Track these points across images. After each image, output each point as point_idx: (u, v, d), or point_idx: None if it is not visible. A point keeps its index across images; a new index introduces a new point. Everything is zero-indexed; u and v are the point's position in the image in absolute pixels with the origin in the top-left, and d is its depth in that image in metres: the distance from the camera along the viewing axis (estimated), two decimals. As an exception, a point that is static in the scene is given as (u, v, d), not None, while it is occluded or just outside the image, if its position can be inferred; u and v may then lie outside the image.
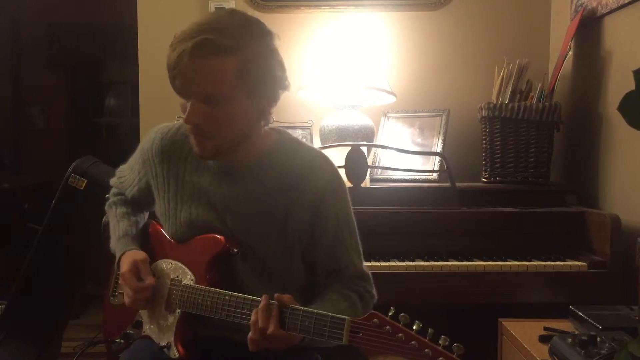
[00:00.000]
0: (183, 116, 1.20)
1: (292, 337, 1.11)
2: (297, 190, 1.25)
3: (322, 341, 1.09)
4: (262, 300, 1.13)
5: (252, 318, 1.13)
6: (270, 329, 1.10)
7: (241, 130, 1.23)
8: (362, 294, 1.27)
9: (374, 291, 1.31)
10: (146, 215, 1.49)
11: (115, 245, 1.39)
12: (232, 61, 1.14)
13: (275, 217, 1.26)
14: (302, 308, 1.11)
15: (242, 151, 1.26)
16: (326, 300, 1.23)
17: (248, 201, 1.26)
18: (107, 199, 1.52)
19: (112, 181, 1.52)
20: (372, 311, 1.04)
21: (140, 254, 1.33)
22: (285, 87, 1.25)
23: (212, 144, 1.21)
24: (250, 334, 1.12)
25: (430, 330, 1.00)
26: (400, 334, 1.00)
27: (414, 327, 1.01)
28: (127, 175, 1.46)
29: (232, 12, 1.22)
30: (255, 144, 1.27)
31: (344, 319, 1.05)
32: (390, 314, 1.03)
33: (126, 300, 1.30)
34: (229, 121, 1.20)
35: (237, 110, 1.19)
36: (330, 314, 1.07)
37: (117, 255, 1.36)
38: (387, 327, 1.01)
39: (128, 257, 1.33)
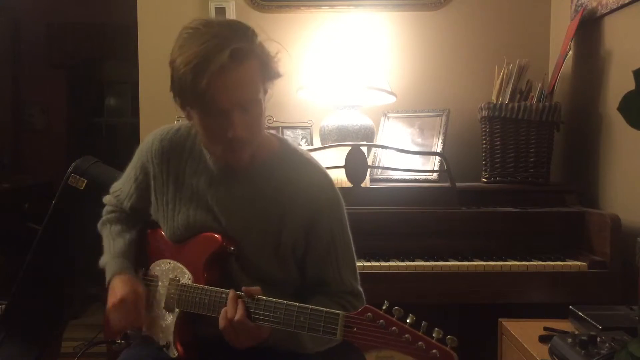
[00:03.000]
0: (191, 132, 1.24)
1: (259, 329, 1.13)
2: (294, 203, 1.26)
3: (306, 347, 1.10)
4: (230, 292, 1.15)
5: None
6: (237, 316, 1.12)
7: (262, 130, 1.26)
8: (347, 309, 1.24)
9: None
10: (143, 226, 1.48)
11: (109, 263, 1.36)
12: (255, 63, 1.17)
13: (269, 223, 1.26)
14: (297, 304, 1.11)
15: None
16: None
17: (244, 204, 1.27)
18: (101, 216, 1.50)
19: (106, 199, 1.50)
20: (366, 305, 1.04)
21: (140, 289, 1.31)
22: (280, 75, 1.25)
23: (249, 150, 1.23)
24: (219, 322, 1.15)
25: (423, 323, 1.00)
26: (393, 328, 1.00)
27: (408, 321, 1.01)
28: (122, 188, 1.44)
29: (219, 20, 1.22)
30: (257, 147, 1.27)
31: (338, 314, 1.06)
32: (384, 307, 1.03)
33: (115, 323, 1.31)
34: (260, 122, 1.22)
35: (261, 109, 1.22)
36: (325, 309, 1.08)
37: (110, 275, 1.33)
38: (381, 320, 1.01)
39: (128, 282, 1.31)
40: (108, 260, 1.38)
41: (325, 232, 1.27)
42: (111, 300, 1.29)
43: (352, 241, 1.32)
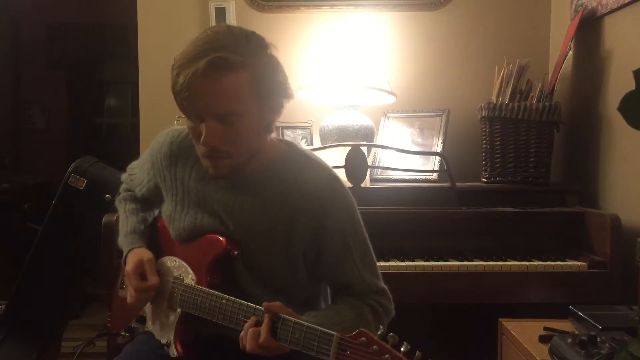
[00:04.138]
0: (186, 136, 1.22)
1: (282, 346, 1.10)
2: (302, 207, 1.24)
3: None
4: (250, 320, 1.12)
5: (242, 334, 1.13)
6: (262, 338, 1.09)
7: (253, 145, 1.23)
8: (375, 308, 1.25)
9: (391, 307, 1.28)
10: (156, 212, 1.50)
11: (122, 241, 1.40)
12: (245, 76, 1.14)
13: (278, 227, 1.25)
14: (293, 319, 1.09)
15: (248, 163, 1.26)
16: (331, 308, 1.22)
17: (252, 210, 1.26)
18: (109, 199, 1.53)
19: (123, 177, 1.53)
20: (361, 329, 1.02)
21: (146, 253, 1.33)
22: (289, 97, 1.24)
23: (228, 163, 1.21)
24: (241, 337, 1.13)
25: (418, 353, 0.97)
26: (386, 355, 0.97)
27: (402, 349, 0.98)
28: (137, 174, 1.47)
29: (229, 27, 1.20)
30: (261, 155, 1.26)
31: (332, 335, 1.03)
32: (379, 332, 1.01)
33: (128, 299, 1.31)
34: (243, 137, 1.19)
35: (250, 125, 1.19)
36: (320, 329, 1.05)
37: (124, 252, 1.37)
38: (375, 347, 0.99)
39: (134, 255, 1.33)
40: (122, 237, 1.41)
41: (337, 233, 1.25)
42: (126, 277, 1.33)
43: (367, 239, 1.30)
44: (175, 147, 1.33)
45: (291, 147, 1.33)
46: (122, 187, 1.53)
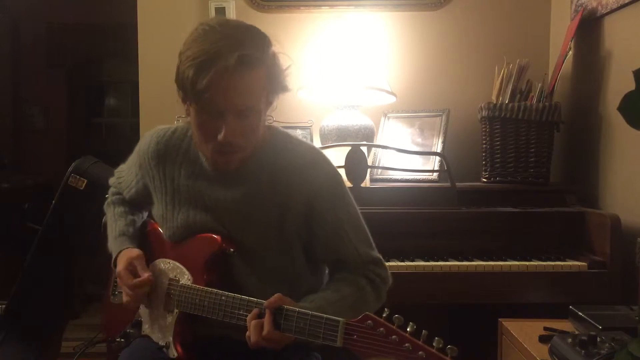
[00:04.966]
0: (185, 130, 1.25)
1: (287, 337, 1.11)
2: (290, 188, 1.25)
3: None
4: (252, 312, 1.13)
5: (248, 333, 1.13)
6: (265, 331, 1.09)
7: (258, 138, 1.25)
8: (372, 278, 1.26)
9: (386, 274, 1.29)
10: (145, 214, 1.49)
11: (112, 244, 1.40)
12: (262, 72, 1.17)
13: (270, 214, 1.25)
14: (297, 309, 1.10)
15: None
16: (329, 287, 1.23)
17: (244, 202, 1.26)
18: (106, 198, 1.53)
19: (111, 181, 1.53)
20: (366, 313, 1.04)
21: (134, 252, 1.33)
22: (287, 91, 1.26)
23: (239, 157, 1.23)
24: (247, 335, 1.13)
25: (424, 332, 0.99)
26: (394, 336, 0.99)
27: (408, 329, 1.00)
28: (125, 176, 1.47)
29: (235, 22, 1.22)
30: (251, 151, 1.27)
31: (338, 321, 1.05)
32: (384, 315, 1.02)
33: (124, 298, 1.30)
34: (255, 131, 1.22)
35: (260, 119, 1.22)
36: (325, 316, 1.06)
37: (113, 255, 1.37)
38: (381, 329, 1.00)
39: (123, 256, 1.33)
40: (111, 241, 1.41)
41: (328, 212, 1.26)
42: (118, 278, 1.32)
43: (358, 210, 1.31)
44: (162, 147, 1.33)
45: (272, 130, 1.34)
46: (110, 190, 1.53)
